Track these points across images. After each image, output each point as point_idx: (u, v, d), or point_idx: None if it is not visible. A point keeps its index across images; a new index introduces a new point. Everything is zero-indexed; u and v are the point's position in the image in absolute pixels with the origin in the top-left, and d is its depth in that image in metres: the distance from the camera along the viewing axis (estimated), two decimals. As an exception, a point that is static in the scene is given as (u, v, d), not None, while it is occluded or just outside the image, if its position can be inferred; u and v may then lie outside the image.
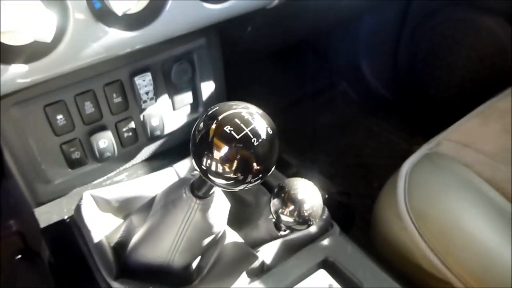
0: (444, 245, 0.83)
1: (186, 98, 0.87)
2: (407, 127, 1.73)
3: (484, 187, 0.86)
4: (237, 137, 0.43)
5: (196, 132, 0.46)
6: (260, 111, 0.47)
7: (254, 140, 0.44)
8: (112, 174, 0.87)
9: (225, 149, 0.44)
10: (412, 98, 1.78)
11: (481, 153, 0.91)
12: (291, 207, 0.61)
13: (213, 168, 0.45)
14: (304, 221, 0.61)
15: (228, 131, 0.44)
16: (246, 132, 0.44)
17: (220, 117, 0.45)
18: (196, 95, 0.89)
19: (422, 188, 0.89)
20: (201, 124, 0.46)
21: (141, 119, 0.83)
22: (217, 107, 0.46)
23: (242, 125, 0.44)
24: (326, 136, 1.74)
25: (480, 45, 1.46)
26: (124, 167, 0.88)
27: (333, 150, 1.68)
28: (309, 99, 1.85)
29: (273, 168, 0.47)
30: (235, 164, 0.44)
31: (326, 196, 0.72)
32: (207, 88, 0.89)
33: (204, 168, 0.46)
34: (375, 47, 1.83)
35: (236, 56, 1.02)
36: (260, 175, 0.46)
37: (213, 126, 0.44)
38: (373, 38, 1.81)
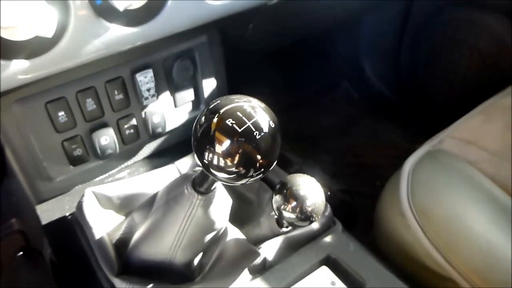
0: (447, 242, 0.82)
1: (188, 95, 0.87)
2: (409, 127, 1.72)
3: (487, 184, 0.85)
4: (239, 130, 0.43)
5: (198, 126, 0.46)
6: (263, 105, 0.47)
7: (256, 134, 0.43)
8: (113, 171, 0.86)
9: (227, 142, 0.43)
10: (414, 97, 1.77)
11: (484, 151, 0.91)
12: (293, 203, 0.61)
13: (215, 162, 0.45)
14: (307, 217, 0.61)
15: (230, 125, 0.43)
16: (248, 126, 0.43)
17: (221, 111, 0.44)
18: (198, 92, 0.89)
19: (425, 185, 0.89)
20: (203, 118, 0.45)
21: (143, 116, 0.83)
22: (219, 101, 0.46)
23: (244, 118, 0.44)
24: (328, 136, 1.74)
25: (482, 44, 1.45)
26: (125, 164, 0.87)
27: (335, 150, 1.68)
28: (311, 99, 1.85)
29: (275, 163, 0.47)
30: (237, 158, 0.44)
31: (329, 193, 0.72)
32: (209, 85, 0.89)
33: (206, 162, 0.45)
34: (377, 46, 1.83)
35: (237, 56, 1.02)
36: (262, 169, 0.46)
37: (215, 119, 0.44)
38: (375, 38, 1.81)
